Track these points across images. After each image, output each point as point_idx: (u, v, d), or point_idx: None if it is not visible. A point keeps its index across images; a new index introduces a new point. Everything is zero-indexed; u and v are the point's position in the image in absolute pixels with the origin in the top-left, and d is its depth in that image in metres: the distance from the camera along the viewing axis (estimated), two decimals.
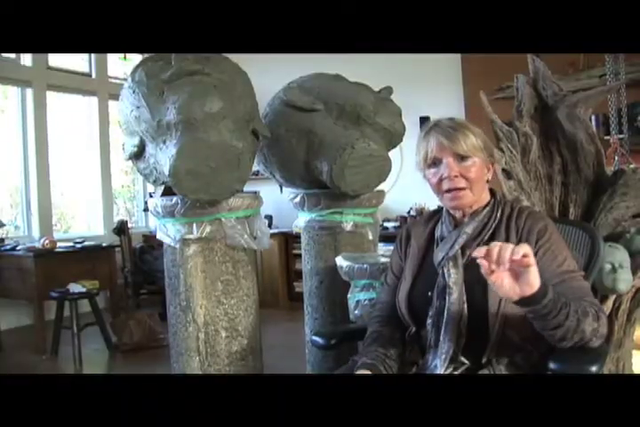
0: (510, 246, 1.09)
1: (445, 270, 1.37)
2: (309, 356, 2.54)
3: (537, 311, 1.15)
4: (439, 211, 1.52)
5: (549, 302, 1.14)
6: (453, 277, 1.35)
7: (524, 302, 1.13)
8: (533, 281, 1.10)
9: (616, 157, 3.05)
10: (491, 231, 1.38)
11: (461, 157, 1.35)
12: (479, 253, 1.10)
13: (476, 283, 1.32)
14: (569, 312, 1.17)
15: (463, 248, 1.38)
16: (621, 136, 3.25)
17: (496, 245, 1.09)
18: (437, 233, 1.46)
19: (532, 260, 1.09)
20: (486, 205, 1.41)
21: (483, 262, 1.09)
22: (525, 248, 1.08)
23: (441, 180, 1.36)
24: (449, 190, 1.36)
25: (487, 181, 1.42)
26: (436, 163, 1.37)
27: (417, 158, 1.43)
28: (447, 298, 1.34)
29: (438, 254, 1.40)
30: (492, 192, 1.45)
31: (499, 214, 1.40)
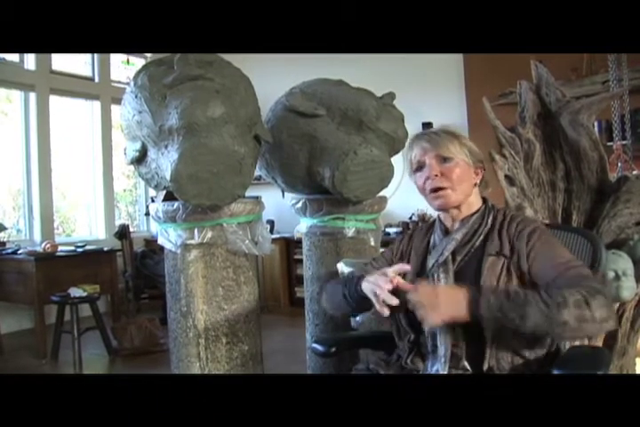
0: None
1: (435, 277, 1.39)
2: (310, 362, 2.52)
3: (486, 321, 1.20)
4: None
5: (486, 311, 1.18)
6: (442, 282, 1.37)
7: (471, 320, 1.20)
8: (445, 311, 1.19)
9: (619, 164, 3.04)
10: (482, 237, 1.40)
11: (444, 159, 1.40)
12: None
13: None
14: (525, 313, 1.16)
15: (453, 254, 1.40)
16: (624, 142, 3.23)
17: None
18: (431, 242, 1.49)
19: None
20: (476, 212, 1.44)
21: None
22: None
23: (425, 181, 1.41)
24: (432, 190, 1.40)
25: (475, 185, 1.45)
26: (421, 167, 1.42)
27: (407, 166, 1.48)
28: None
29: (429, 262, 1.42)
30: (484, 200, 1.48)
31: (489, 221, 1.41)
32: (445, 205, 1.41)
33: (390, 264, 1.52)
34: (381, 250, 2.61)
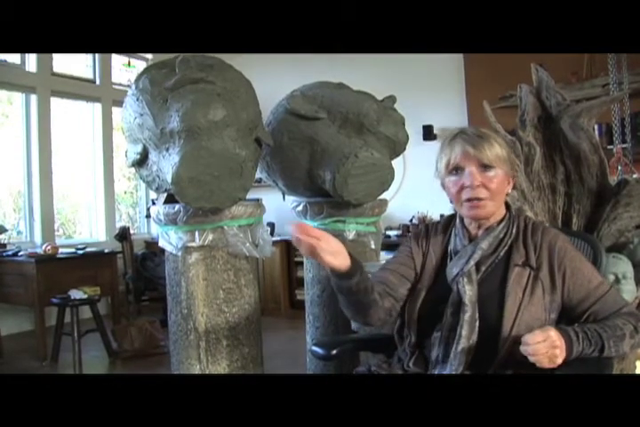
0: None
1: (460, 287, 1.33)
2: (310, 364, 2.52)
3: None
4: (453, 218, 1.47)
5: (577, 353, 1.20)
6: (468, 293, 1.31)
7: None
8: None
9: (619, 167, 3.04)
10: (507, 247, 1.36)
11: (485, 167, 1.32)
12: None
13: (489, 299, 1.30)
14: (603, 347, 1.22)
15: (478, 264, 1.35)
16: (625, 146, 3.24)
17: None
18: (451, 246, 1.42)
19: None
20: (502, 220, 1.38)
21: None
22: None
23: (462, 188, 1.33)
24: (469, 200, 1.33)
25: (507, 195, 1.40)
26: (457, 171, 1.34)
27: (438, 165, 1.39)
28: (462, 315, 1.30)
29: (452, 269, 1.36)
30: (507, 206, 1.42)
31: (514, 230, 1.37)
32: (480, 215, 1.35)
33: (413, 261, 1.45)
34: (383, 253, 2.62)
